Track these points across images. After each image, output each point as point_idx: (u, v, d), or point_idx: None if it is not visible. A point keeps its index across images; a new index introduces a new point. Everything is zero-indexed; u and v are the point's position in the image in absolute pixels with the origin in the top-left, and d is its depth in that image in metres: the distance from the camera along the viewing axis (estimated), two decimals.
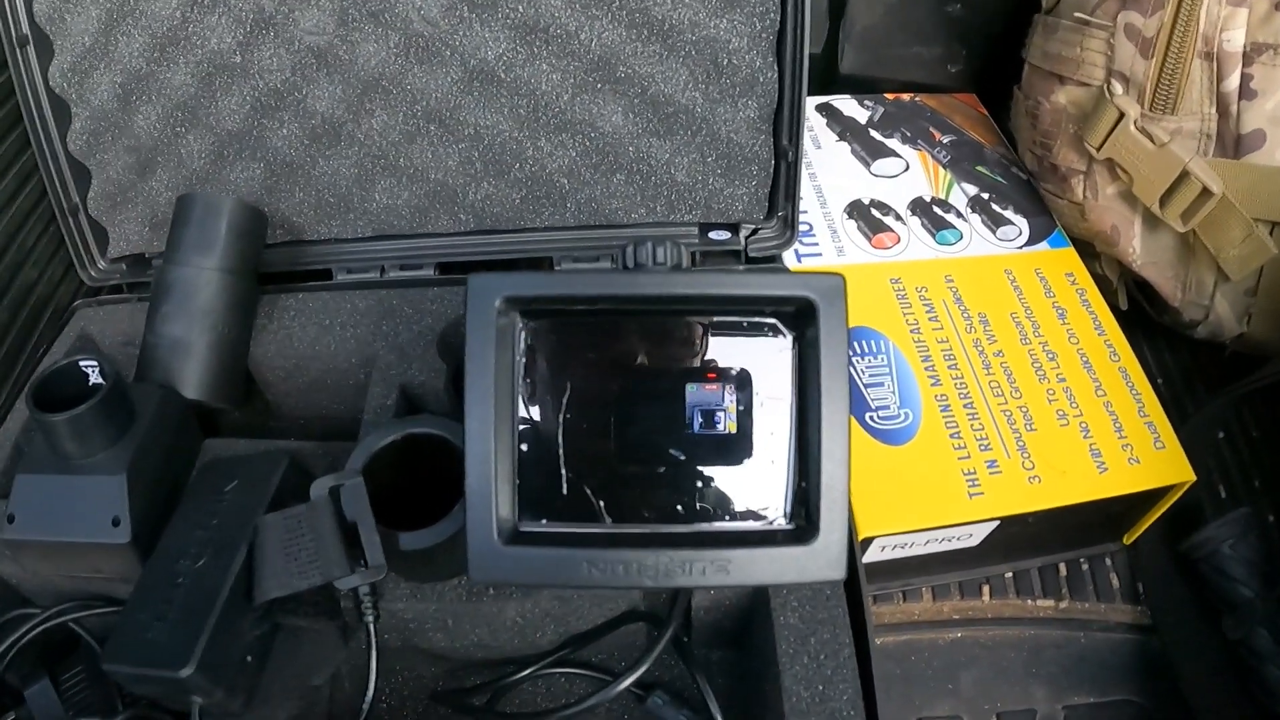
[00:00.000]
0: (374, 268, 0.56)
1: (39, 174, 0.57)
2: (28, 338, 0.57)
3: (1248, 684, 0.52)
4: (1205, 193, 0.51)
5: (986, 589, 0.55)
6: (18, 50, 0.55)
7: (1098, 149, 0.54)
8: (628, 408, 0.36)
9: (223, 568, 0.40)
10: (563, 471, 0.36)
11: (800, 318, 0.35)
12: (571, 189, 0.54)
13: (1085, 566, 0.56)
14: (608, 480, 0.36)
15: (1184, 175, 0.51)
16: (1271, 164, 0.51)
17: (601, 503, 0.35)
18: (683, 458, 0.36)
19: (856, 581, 0.43)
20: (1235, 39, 0.51)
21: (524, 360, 0.36)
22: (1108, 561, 0.56)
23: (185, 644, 0.38)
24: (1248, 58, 0.51)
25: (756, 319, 0.35)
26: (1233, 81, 0.51)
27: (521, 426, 0.35)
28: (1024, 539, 0.52)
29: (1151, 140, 0.52)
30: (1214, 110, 0.52)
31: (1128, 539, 0.55)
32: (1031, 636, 0.54)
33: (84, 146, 0.56)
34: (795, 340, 0.35)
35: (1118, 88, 0.54)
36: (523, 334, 0.36)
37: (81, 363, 0.45)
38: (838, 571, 0.35)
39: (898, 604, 0.54)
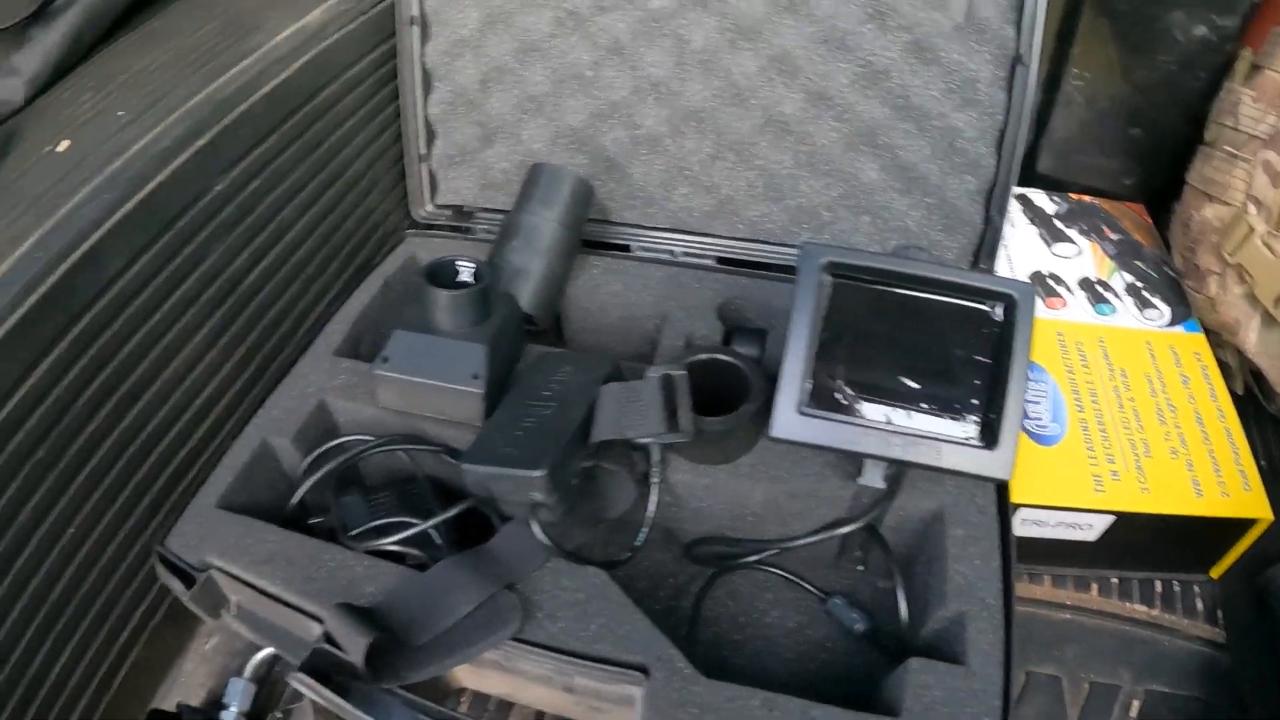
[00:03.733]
0: (665, 252, 1.01)
1: (397, 126, 1.03)
2: (361, 248, 1.02)
3: None
4: None
5: (1095, 587, 0.96)
6: (405, 27, 1.02)
7: (1230, 256, 0.98)
8: (886, 346, 0.79)
9: (570, 414, 0.82)
10: (840, 381, 0.78)
11: (1006, 308, 0.78)
12: (829, 221, 1.00)
13: (1177, 588, 0.97)
14: (869, 391, 0.78)
15: None
16: None
17: (862, 404, 0.78)
18: (916, 385, 0.78)
19: (1007, 519, 0.84)
20: None
21: (825, 304, 0.79)
22: (1195, 588, 0.97)
23: (541, 454, 0.78)
24: None
25: (976, 303, 0.79)
26: None
27: (819, 346, 0.79)
28: (1130, 546, 0.93)
29: (1272, 253, 0.96)
30: None
31: (1215, 573, 0.97)
32: (1126, 631, 0.95)
33: (439, 113, 1.03)
34: (1000, 322, 0.79)
35: (1252, 209, 0.98)
36: (828, 287, 0.79)
37: (458, 261, 0.89)
38: (1006, 473, 0.76)
39: (1025, 583, 0.96)
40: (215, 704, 0.93)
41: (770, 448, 0.85)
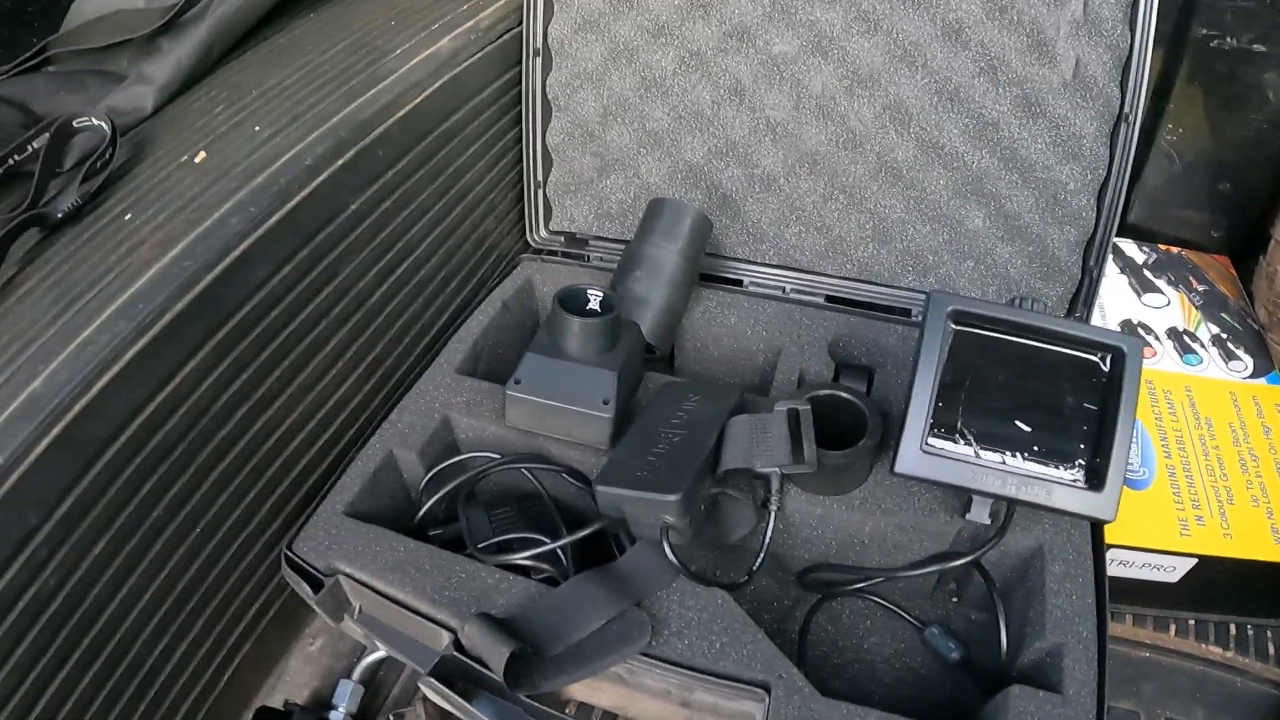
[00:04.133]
0: (777, 289, 1.11)
1: (517, 152, 1.13)
2: (479, 269, 1.12)
3: None
4: None
5: (1173, 627, 1.06)
6: (530, 57, 1.12)
7: None
8: (1001, 391, 0.89)
9: (700, 443, 0.91)
10: (959, 421, 0.88)
11: (1114, 360, 0.88)
12: (933, 265, 1.10)
13: (1250, 631, 1.07)
14: (985, 432, 0.88)
15: None
16: None
17: (979, 445, 0.88)
18: (1028, 429, 0.88)
19: (1102, 557, 0.93)
20: None
21: (948, 348, 0.89)
22: (1268, 633, 1.07)
23: (676, 479, 0.87)
24: None
25: (1087, 353, 0.89)
26: None
27: (940, 387, 0.88)
28: (1210, 589, 1.03)
29: None
30: None
31: None
32: (1201, 671, 1.05)
33: (558, 142, 1.13)
34: (1108, 373, 0.89)
35: None
36: (950, 333, 0.89)
37: (588, 290, 0.99)
38: (1110, 514, 0.86)
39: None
40: (322, 704, 1.02)
41: (881, 482, 0.95)
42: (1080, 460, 0.88)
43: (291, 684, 1.06)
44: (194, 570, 0.90)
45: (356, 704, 1.02)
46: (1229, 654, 1.06)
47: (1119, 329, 1.20)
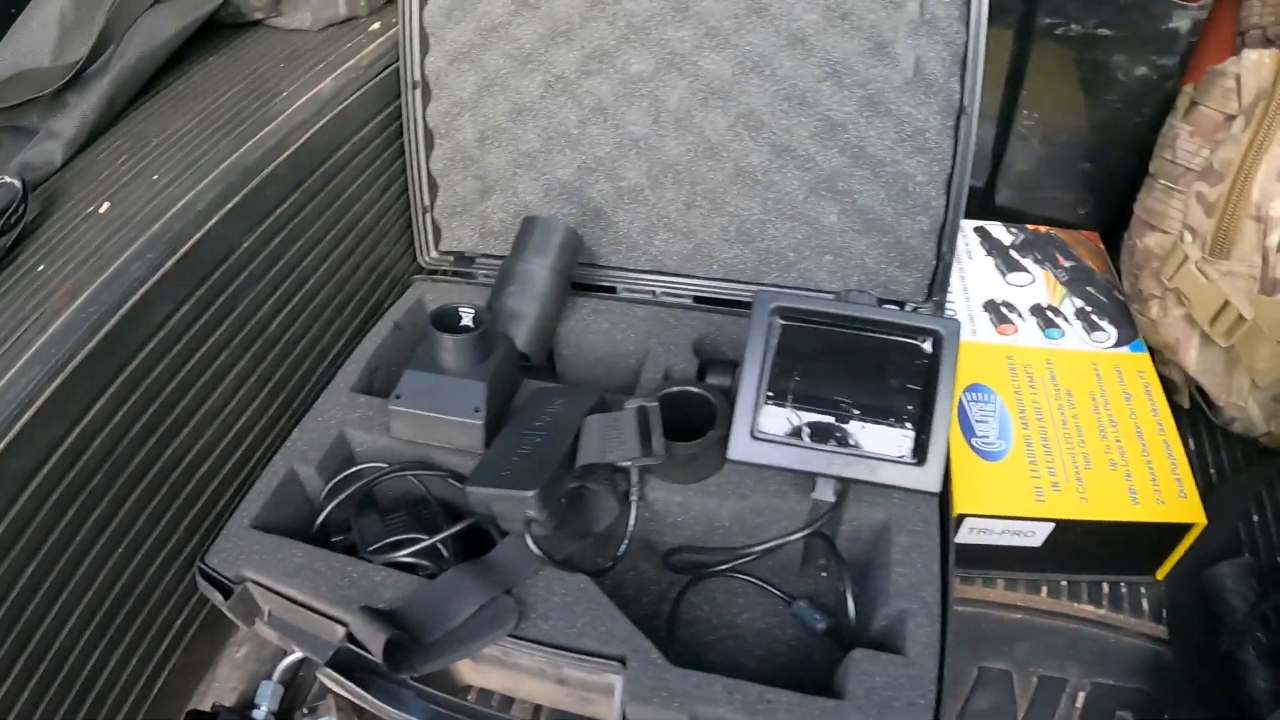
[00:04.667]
0: (647, 293, 1.25)
1: (403, 180, 1.27)
2: (373, 293, 1.27)
3: (1236, 695, 1.11)
4: (1241, 319, 1.14)
5: (1045, 589, 1.17)
6: (409, 90, 1.26)
7: (1169, 281, 1.19)
8: (830, 378, 1.01)
9: (559, 442, 1.04)
10: (787, 408, 1.01)
11: (934, 342, 1.00)
12: (794, 261, 1.23)
13: (1124, 589, 1.18)
14: (815, 417, 1.00)
15: (1226, 304, 1.14)
16: None
17: (808, 429, 1.00)
18: (857, 411, 1.01)
19: (947, 528, 1.05)
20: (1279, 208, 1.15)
21: (776, 343, 1.02)
22: (1142, 589, 1.18)
23: (533, 477, 1.00)
24: None
25: (908, 339, 1.01)
26: (1274, 239, 1.13)
27: (769, 379, 1.01)
28: (1076, 550, 1.14)
29: (1206, 278, 1.17)
30: (1260, 259, 1.15)
31: (1159, 575, 1.18)
32: (1074, 629, 1.15)
33: (441, 169, 1.27)
34: (930, 355, 1.01)
35: (1187, 237, 1.18)
36: (778, 328, 1.02)
37: (460, 308, 1.13)
38: (934, 486, 0.98)
39: (979, 587, 1.17)
40: (247, 705, 1.16)
41: (735, 468, 1.07)
42: (907, 438, 1.00)
43: (220, 689, 1.19)
44: (120, 587, 1.04)
45: (277, 703, 1.15)
46: (1102, 611, 1.16)
47: (982, 309, 1.32)
